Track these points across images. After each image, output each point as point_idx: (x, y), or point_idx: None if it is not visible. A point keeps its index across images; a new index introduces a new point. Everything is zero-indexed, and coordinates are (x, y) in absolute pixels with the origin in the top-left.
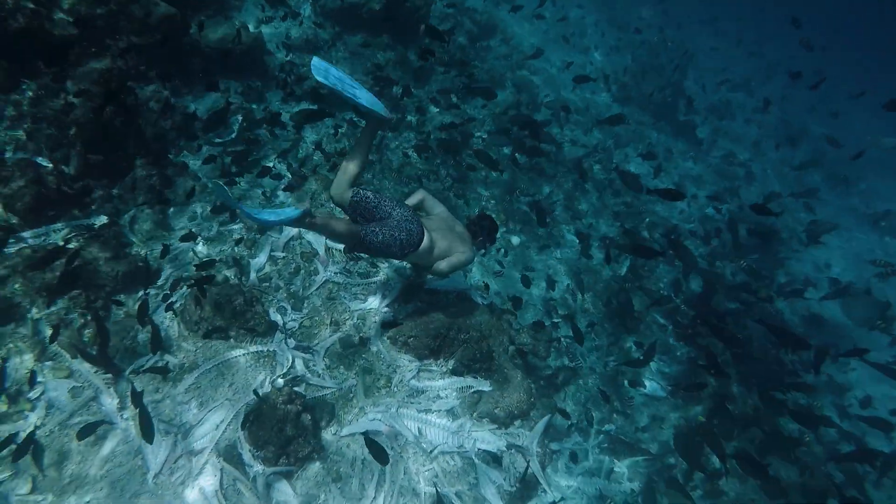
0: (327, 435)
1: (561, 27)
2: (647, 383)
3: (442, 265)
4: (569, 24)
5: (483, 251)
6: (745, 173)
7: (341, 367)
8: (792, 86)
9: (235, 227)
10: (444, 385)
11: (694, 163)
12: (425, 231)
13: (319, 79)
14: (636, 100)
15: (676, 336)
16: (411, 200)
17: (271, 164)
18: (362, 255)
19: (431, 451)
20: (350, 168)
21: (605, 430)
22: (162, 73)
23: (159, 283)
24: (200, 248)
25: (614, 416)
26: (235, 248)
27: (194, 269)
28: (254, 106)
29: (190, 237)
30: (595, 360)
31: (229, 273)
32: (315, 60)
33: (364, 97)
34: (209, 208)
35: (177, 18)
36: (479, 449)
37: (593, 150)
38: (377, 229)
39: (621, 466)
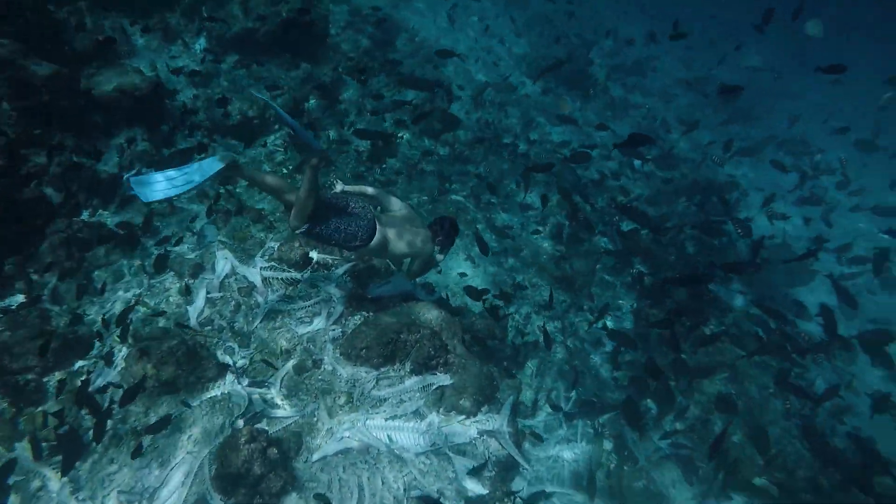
0: (298, 464)
1: (463, 18)
2: (606, 343)
3: (414, 267)
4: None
5: (442, 251)
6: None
7: (300, 393)
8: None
9: (166, 276)
10: (405, 388)
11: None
12: (378, 227)
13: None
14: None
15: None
16: (368, 192)
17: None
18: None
19: (405, 455)
20: (306, 206)
21: (573, 396)
22: (59, 133)
23: (93, 352)
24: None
25: (579, 378)
26: (170, 298)
27: (130, 327)
28: (166, 151)
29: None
30: (553, 330)
31: (167, 323)
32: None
33: (298, 128)
34: (136, 263)
35: (62, 75)
36: (451, 443)
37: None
38: (328, 217)
39: (595, 426)
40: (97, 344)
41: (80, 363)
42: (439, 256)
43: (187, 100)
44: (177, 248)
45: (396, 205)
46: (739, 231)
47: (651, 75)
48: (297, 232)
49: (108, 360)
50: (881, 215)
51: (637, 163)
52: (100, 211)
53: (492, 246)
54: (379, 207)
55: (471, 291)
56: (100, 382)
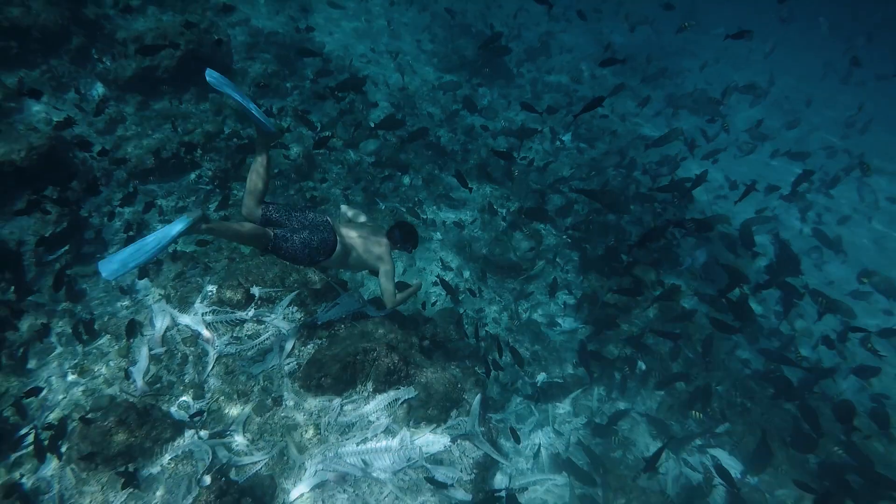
0: None
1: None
2: (560, 321)
3: (386, 295)
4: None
5: (408, 250)
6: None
7: (265, 434)
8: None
9: (101, 341)
10: (370, 409)
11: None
12: (338, 239)
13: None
14: (458, 64)
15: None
16: (342, 210)
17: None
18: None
19: (383, 476)
20: (256, 186)
21: (538, 381)
22: None
23: (27, 441)
24: (71, 377)
25: (542, 363)
26: (111, 363)
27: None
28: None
29: (33, 392)
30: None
31: (111, 390)
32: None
33: (254, 110)
34: (68, 330)
35: None
36: (426, 454)
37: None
38: (288, 235)
39: (564, 406)
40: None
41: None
42: (393, 269)
43: (89, 154)
44: (108, 309)
45: (361, 217)
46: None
47: (557, 54)
48: (258, 214)
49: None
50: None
51: (564, 137)
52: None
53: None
54: (346, 221)
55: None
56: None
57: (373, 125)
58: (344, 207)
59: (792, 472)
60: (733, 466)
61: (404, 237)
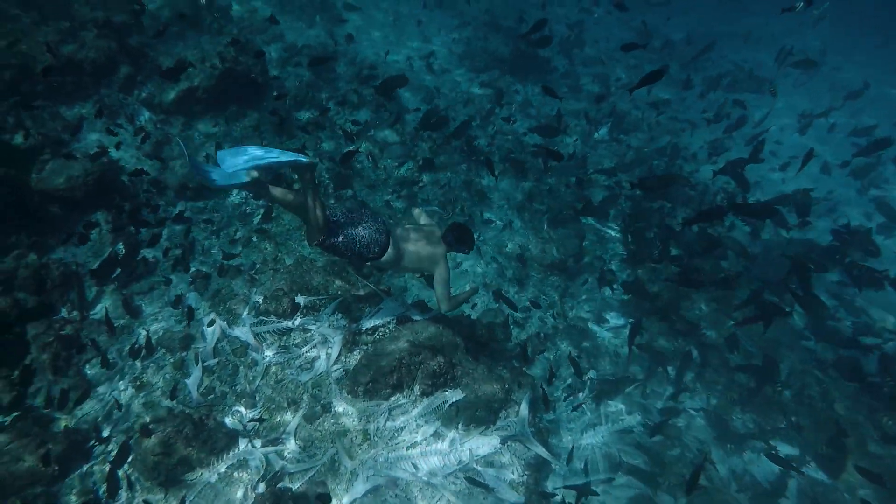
0: None
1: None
2: (608, 318)
3: (441, 303)
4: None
5: (465, 250)
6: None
7: (316, 441)
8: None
9: (157, 355)
10: (418, 413)
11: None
12: (391, 242)
13: (236, 179)
14: (491, 64)
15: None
16: (413, 213)
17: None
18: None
19: (434, 480)
20: (318, 219)
21: (590, 378)
22: (15, 235)
23: (98, 451)
24: (130, 391)
25: (591, 360)
26: (167, 376)
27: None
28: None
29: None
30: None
31: (169, 402)
32: (221, 164)
33: (283, 157)
34: (126, 348)
35: (9, 177)
36: (477, 456)
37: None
38: (342, 231)
39: (616, 404)
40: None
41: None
42: (448, 272)
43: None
44: (162, 324)
45: (424, 219)
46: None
47: (593, 44)
48: (314, 245)
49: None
50: None
51: (601, 131)
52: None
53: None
54: (399, 219)
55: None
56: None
57: (416, 127)
58: (416, 211)
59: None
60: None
61: (459, 239)
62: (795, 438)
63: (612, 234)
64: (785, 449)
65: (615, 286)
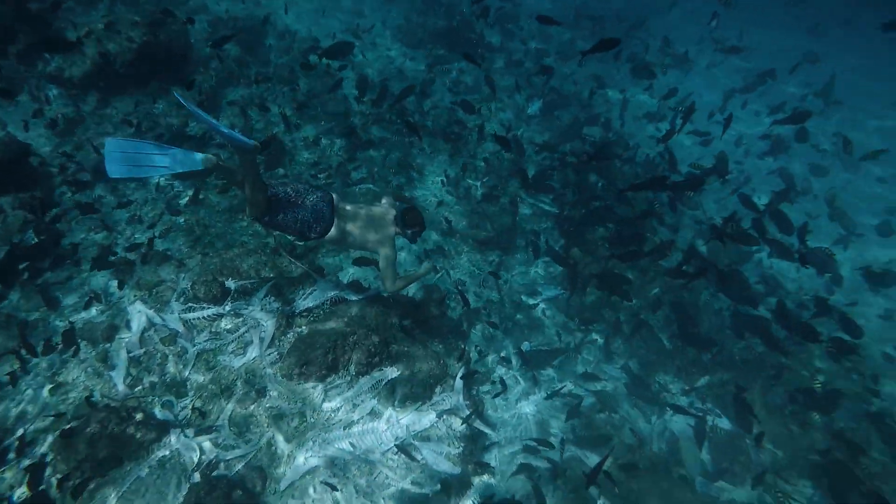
0: (268, 498)
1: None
2: (541, 290)
3: (386, 283)
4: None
5: (411, 239)
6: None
7: (251, 427)
8: None
9: (79, 346)
10: (354, 392)
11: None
12: (336, 221)
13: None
14: (428, 39)
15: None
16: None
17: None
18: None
19: (372, 457)
20: (255, 195)
21: (523, 350)
22: None
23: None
24: (49, 386)
25: (525, 332)
26: (89, 370)
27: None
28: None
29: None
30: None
31: (93, 397)
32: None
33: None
34: (42, 342)
35: None
36: (413, 432)
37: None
38: (284, 207)
39: (549, 373)
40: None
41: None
42: (394, 255)
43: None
44: (82, 315)
45: (385, 198)
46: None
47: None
48: (255, 222)
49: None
50: None
51: (533, 107)
52: None
53: None
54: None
55: None
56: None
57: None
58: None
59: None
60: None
61: (408, 223)
62: (709, 394)
63: (546, 208)
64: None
65: (546, 259)
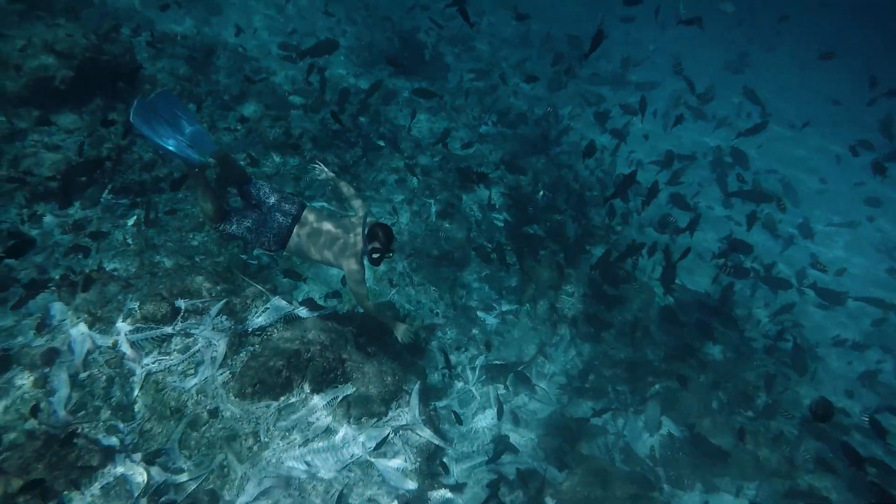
0: None
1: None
2: (496, 305)
3: (357, 299)
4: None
5: (372, 262)
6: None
7: (203, 449)
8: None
9: (14, 373)
10: (309, 410)
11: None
12: (294, 233)
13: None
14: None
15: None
16: (342, 188)
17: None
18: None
19: (328, 476)
20: (205, 205)
21: (478, 365)
22: None
23: None
24: None
25: (479, 347)
26: (26, 396)
27: None
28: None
29: None
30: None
31: (29, 425)
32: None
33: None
34: None
35: None
36: (370, 448)
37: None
38: (237, 219)
39: (505, 386)
40: None
41: None
42: (360, 272)
43: None
44: (17, 340)
45: (358, 208)
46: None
47: (477, 39)
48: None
49: None
50: None
51: (484, 126)
52: None
53: None
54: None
55: None
56: None
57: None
58: (355, 201)
59: None
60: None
61: (370, 239)
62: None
63: (499, 224)
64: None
65: (501, 273)
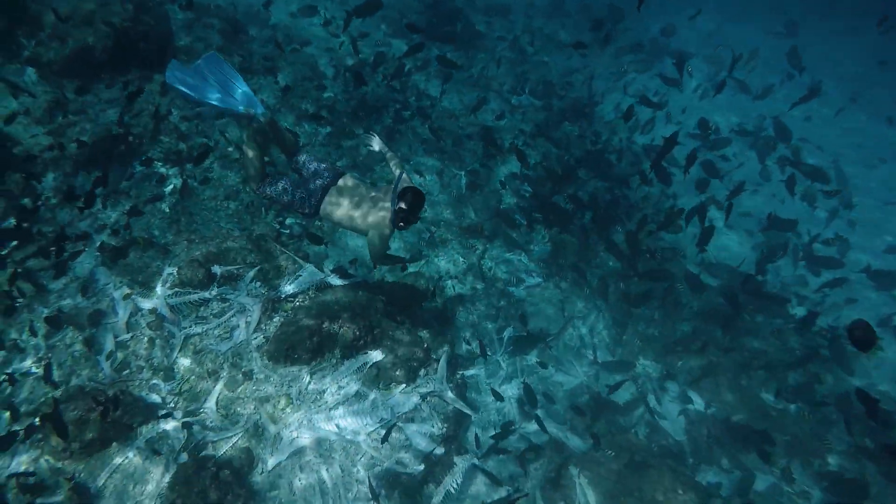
0: (255, 477)
1: None
2: (524, 277)
3: (371, 251)
4: None
5: (402, 226)
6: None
7: (238, 408)
8: None
9: (66, 333)
10: (339, 374)
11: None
12: (326, 199)
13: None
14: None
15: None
16: (390, 160)
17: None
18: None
19: (357, 438)
20: (250, 166)
21: (506, 336)
22: None
23: None
24: (36, 370)
25: (507, 319)
26: (75, 354)
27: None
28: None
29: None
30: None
31: (79, 381)
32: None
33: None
34: (28, 325)
35: None
36: (398, 413)
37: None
38: (277, 182)
39: (531, 357)
40: None
41: None
42: (384, 233)
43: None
44: (66, 301)
45: (397, 176)
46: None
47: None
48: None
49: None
50: None
51: (518, 98)
52: None
53: None
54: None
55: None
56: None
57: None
58: (398, 169)
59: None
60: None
61: (401, 208)
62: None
63: (526, 194)
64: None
65: (531, 246)
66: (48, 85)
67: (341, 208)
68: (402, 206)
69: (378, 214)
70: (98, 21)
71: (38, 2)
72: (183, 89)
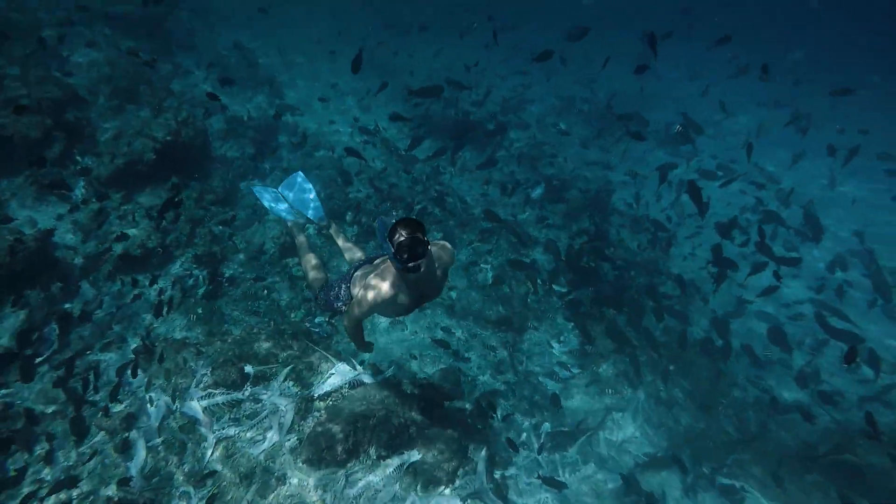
0: None
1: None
2: (559, 370)
3: (344, 317)
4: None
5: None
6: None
7: None
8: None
9: (95, 437)
10: (376, 477)
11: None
12: (351, 288)
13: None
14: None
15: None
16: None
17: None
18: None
19: None
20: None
21: (544, 432)
22: None
23: None
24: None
25: (544, 413)
26: (106, 461)
27: None
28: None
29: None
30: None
31: (108, 491)
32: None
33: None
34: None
35: None
36: None
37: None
38: (331, 285)
39: (573, 454)
40: None
41: None
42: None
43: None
44: (101, 403)
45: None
46: None
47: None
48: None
49: None
50: None
51: (536, 191)
52: None
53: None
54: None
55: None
56: None
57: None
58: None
59: None
60: None
61: (394, 237)
62: None
63: (558, 289)
64: None
65: (562, 338)
66: (94, 193)
67: (361, 289)
68: (400, 238)
69: (385, 282)
70: (145, 137)
71: (93, 124)
72: (264, 200)
